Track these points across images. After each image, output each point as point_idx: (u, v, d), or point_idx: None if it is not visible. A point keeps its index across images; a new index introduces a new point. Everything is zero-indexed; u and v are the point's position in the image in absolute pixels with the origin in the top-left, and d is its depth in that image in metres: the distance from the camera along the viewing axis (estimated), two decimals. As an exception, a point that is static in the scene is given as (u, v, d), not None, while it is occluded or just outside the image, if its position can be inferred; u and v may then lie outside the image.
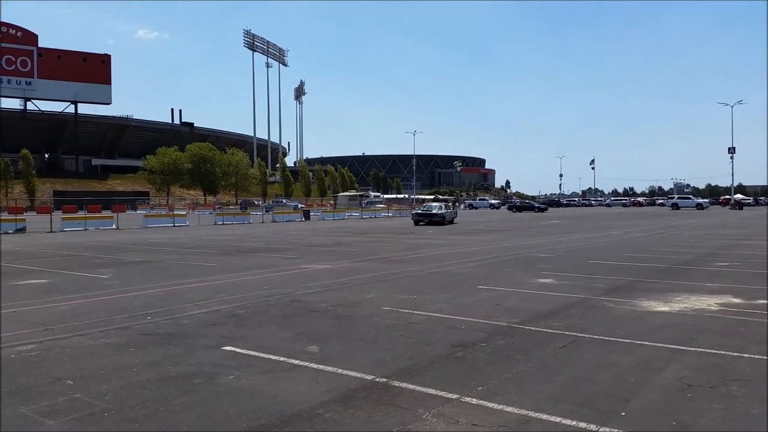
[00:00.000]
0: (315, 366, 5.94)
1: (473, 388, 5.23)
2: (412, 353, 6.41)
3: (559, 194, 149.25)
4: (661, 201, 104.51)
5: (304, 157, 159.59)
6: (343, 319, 8.31)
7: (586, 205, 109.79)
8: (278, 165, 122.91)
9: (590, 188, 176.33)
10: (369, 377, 5.53)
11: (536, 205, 77.86)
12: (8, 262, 16.38)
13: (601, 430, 4.31)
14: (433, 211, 37.68)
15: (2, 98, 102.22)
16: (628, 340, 6.93)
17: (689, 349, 6.59)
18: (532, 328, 7.61)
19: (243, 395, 5.11)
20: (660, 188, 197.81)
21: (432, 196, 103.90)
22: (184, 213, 47.58)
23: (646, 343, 6.82)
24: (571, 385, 5.35)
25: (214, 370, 5.85)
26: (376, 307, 9.12)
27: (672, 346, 6.66)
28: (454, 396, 5.01)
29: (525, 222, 41.60)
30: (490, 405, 4.79)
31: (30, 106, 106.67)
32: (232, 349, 6.67)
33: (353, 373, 5.65)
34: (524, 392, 5.11)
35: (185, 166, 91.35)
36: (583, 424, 4.39)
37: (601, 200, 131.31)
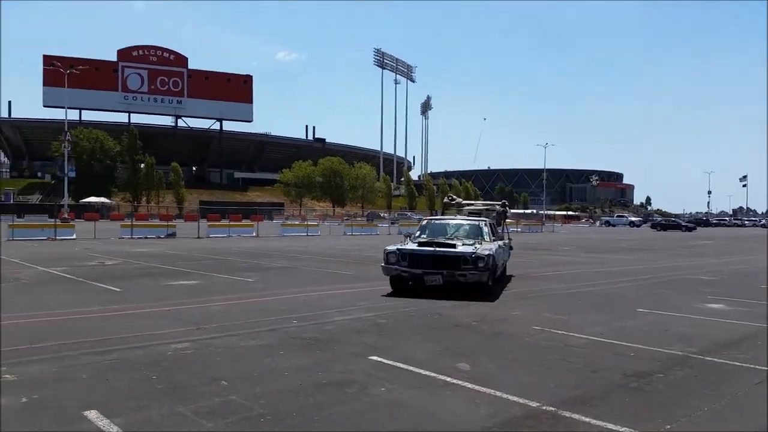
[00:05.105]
0: (470, 386, 5.47)
1: (660, 425, 4.50)
2: (578, 380, 5.74)
3: (706, 213, 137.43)
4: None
5: (429, 171, 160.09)
6: (490, 337, 7.78)
7: (738, 225, 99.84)
8: (403, 178, 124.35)
9: (741, 207, 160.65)
10: (533, 404, 4.97)
11: (683, 223, 72.01)
12: (161, 263, 17.59)
13: None
14: (459, 249, 11.07)
15: (157, 116, 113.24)
16: (843, 382, 5.77)
17: None
18: (714, 360, 6.63)
19: (398, 409, 4.78)
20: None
21: (562, 212, 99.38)
22: (316, 223, 49.30)
23: None
24: (785, 431, 4.45)
25: (365, 379, 5.58)
26: (524, 326, 8.48)
27: None
28: (640, 433, 4.32)
29: (673, 241, 38.35)
30: (688, 448, 4.06)
31: (180, 123, 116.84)
32: (379, 359, 6.39)
33: (514, 398, 5.12)
34: (727, 436, 4.30)
35: (317, 180, 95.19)
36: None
37: (755, 220, 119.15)
